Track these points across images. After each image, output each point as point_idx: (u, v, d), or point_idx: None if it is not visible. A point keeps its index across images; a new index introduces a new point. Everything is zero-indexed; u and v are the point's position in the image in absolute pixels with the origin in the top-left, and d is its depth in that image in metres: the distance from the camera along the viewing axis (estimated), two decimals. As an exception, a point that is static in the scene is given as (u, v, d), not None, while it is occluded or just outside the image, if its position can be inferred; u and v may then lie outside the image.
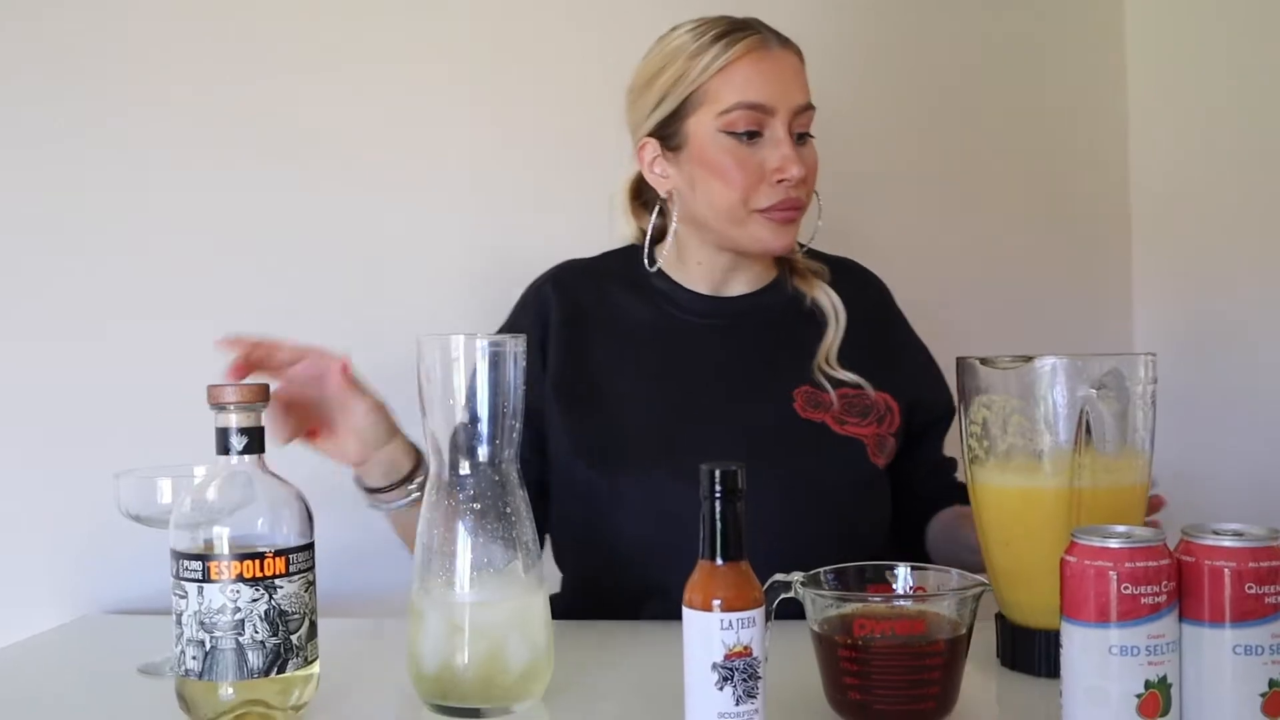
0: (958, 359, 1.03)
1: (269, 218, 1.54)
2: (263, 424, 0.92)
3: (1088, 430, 0.97)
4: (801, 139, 1.23)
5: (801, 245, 1.32)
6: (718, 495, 0.77)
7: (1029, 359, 0.98)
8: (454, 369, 0.93)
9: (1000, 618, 1.02)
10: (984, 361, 1.01)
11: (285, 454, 0.98)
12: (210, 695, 0.89)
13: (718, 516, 0.78)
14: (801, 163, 1.20)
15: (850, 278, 1.36)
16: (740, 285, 1.32)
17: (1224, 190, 1.82)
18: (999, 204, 1.83)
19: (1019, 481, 0.99)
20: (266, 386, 0.92)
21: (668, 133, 1.24)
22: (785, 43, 1.23)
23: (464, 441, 0.94)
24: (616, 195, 1.34)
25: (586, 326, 1.29)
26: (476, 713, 0.92)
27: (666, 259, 1.31)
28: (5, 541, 1.47)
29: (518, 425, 0.95)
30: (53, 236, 1.49)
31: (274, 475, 0.93)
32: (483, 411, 0.93)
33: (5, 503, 1.47)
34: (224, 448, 0.91)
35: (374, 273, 1.58)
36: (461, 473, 0.94)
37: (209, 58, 1.53)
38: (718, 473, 0.77)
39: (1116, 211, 1.91)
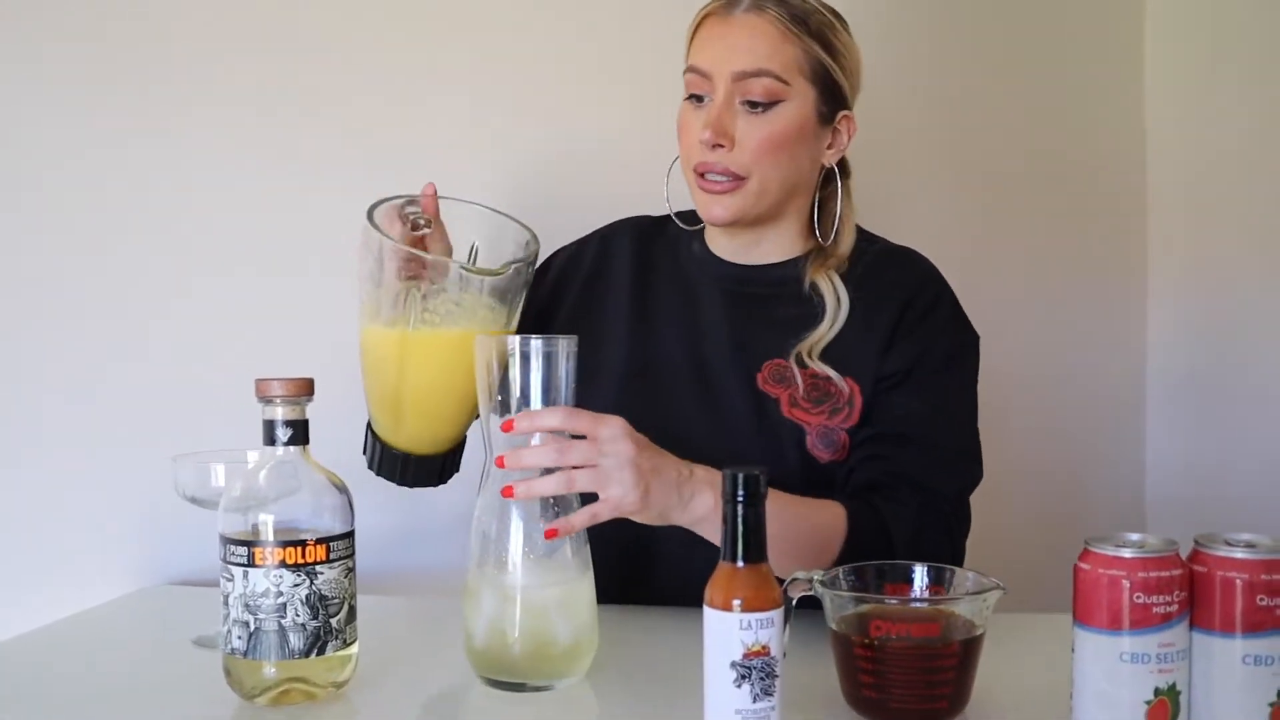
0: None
1: (333, 209, 1.52)
2: (307, 416, 0.92)
3: None
4: (757, 106, 1.12)
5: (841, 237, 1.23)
6: (740, 499, 0.76)
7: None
8: (510, 365, 0.94)
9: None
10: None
11: (330, 444, 0.99)
12: (254, 673, 0.90)
13: (739, 519, 0.77)
14: (719, 127, 1.11)
15: (893, 269, 1.23)
16: (764, 254, 1.24)
17: (1239, 188, 1.78)
18: (1017, 201, 1.79)
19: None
20: (311, 381, 0.92)
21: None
22: (761, 8, 1.12)
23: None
24: None
25: (621, 271, 1.28)
26: (522, 686, 0.94)
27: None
28: (80, 514, 1.48)
29: None
30: (124, 226, 1.49)
31: (318, 465, 0.93)
32: (535, 408, 0.94)
33: (81, 478, 1.49)
34: (270, 439, 0.91)
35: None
36: None
37: (259, 52, 1.51)
38: (741, 477, 0.76)
39: (1133, 208, 1.86)
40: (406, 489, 1.22)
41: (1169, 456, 1.86)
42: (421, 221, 1.12)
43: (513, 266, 1.11)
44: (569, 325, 1.26)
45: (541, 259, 1.25)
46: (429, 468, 1.21)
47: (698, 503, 0.98)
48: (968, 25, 1.76)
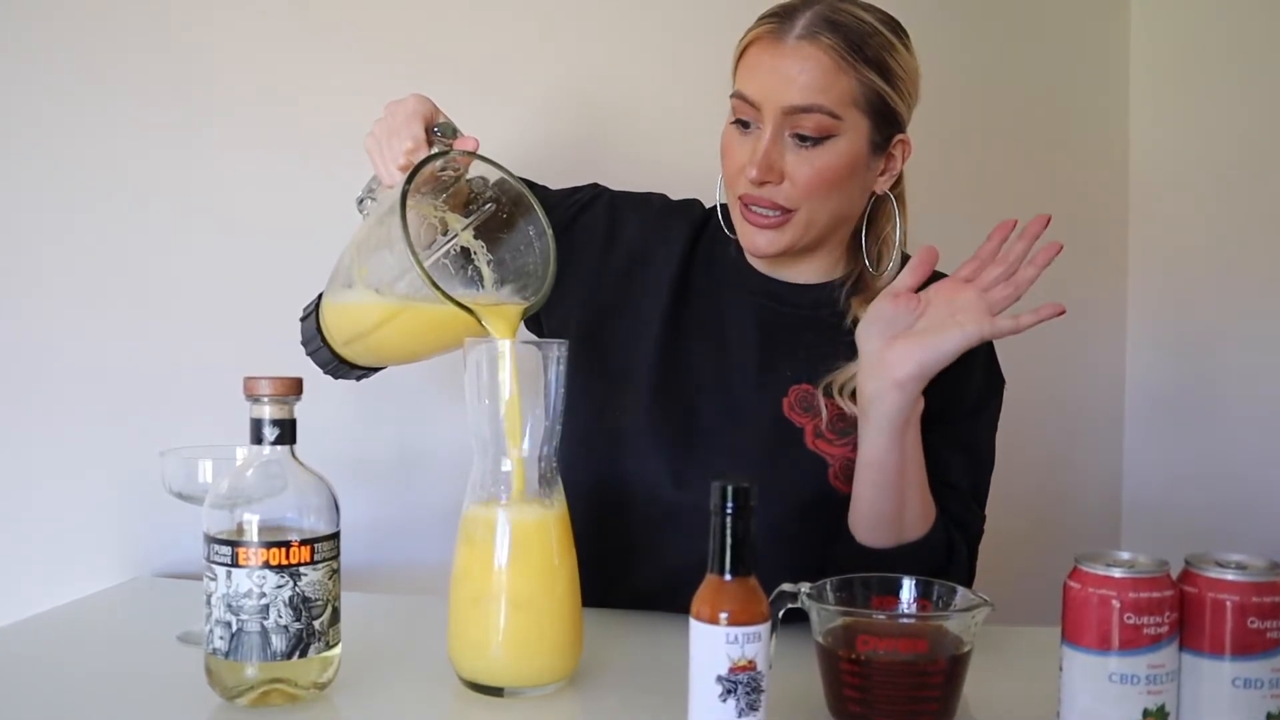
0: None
1: (328, 208, 1.47)
2: (295, 416, 0.87)
3: None
4: (806, 141, 1.05)
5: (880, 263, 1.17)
6: (728, 511, 0.72)
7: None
8: (498, 369, 0.90)
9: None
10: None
11: (317, 444, 0.94)
12: (236, 673, 0.85)
13: (728, 532, 0.72)
14: (766, 164, 1.04)
15: None
16: (803, 274, 1.16)
17: (1218, 208, 1.75)
18: (997, 217, 1.75)
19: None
20: (300, 380, 0.87)
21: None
22: (815, 36, 1.03)
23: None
24: None
25: (665, 262, 1.19)
26: (504, 691, 0.89)
27: None
28: (70, 502, 1.42)
29: (558, 424, 0.91)
30: (114, 222, 1.43)
31: (303, 465, 0.88)
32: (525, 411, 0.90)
33: (71, 468, 1.42)
34: (257, 438, 0.87)
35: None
36: (504, 469, 0.90)
37: (263, 48, 1.45)
38: (729, 489, 0.72)
39: (1114, 225, 1.83)
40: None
41: (1146, 470, 1.83)
42: (451, 169, 1.03)
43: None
44: (608, 291, 1.19)
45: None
46: (358, 373, 1.15)
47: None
48: (954, 39, 1.71)
